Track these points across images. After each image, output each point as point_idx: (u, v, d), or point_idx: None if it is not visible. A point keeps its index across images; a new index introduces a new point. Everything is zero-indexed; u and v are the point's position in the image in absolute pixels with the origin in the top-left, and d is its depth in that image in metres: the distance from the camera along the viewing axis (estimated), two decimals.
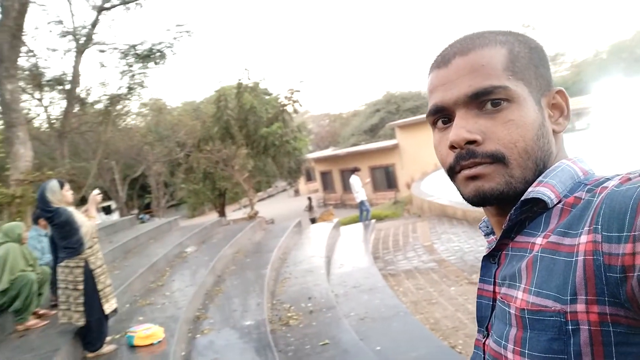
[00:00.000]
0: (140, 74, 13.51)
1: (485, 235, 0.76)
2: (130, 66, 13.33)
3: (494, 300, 0.66)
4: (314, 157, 30.52)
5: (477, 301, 0.70)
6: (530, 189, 0.63)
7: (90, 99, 14.45)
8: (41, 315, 4.81)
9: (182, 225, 11.81)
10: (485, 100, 0.63)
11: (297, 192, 36.11)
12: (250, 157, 14.40)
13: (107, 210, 23.63)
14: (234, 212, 22.88)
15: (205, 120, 15.17)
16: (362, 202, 12.12)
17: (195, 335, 4.93)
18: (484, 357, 0.67)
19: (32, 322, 4.63)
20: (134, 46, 13.00)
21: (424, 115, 0.73)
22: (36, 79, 12.21)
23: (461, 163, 0.64)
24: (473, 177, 0.64)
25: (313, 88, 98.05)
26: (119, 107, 15.13)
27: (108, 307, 4.24)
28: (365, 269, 7.68)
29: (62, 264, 4.07)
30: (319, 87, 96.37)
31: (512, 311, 0.59)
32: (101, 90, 15.06)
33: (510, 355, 0.59)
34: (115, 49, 12.97)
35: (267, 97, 19.51)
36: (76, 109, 12.55)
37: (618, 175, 0.59)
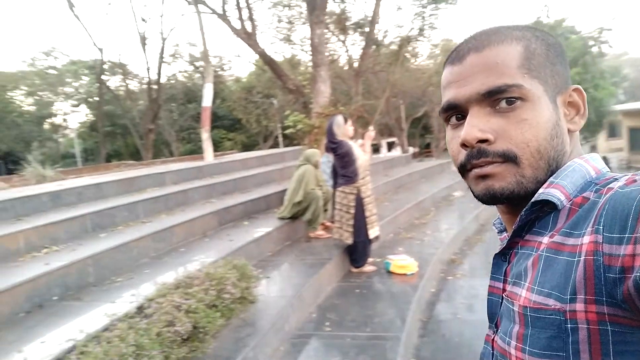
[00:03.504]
0: (431, 15, 13.66)
1: (498, 233, 0.75)
2: (424, 7, 13.58)
3: (503, 297, 0.67)
4: (623, 109, 25.56)
5: (487, 298, 0.71)
6: (540, 190, 0.62)
7: (385, 41, 15.50)
8: (326, 228, 5.75)
9: (453, 169, 11.91)
10: (498, 98, 0.62)
11: (593, 149, 31.35)
12: None
13: (390, 146, 25.56)
14: None
15: None
16: None
17: (447, 277, 5.09)
18: (493, 353, 0.68)
19: (320, 232, 5.61)
20: None
21: None
22: (341, 23, 13.76)
23: (472, 162, 0.64)
24: (484, 176, 0.64)
25: (636, 24, 79.86)
26: (409, 48, 15.76)
27: (372, 233, 4.77)
28: None
29: (339, 189, 4.73)
30: None
31: (515, 308, 0.60)
32: (396, 32, 15.92)
33: (513, 351, 0.61)
34: None
35: (572, 37, 17.03)
36: (372, 50, 13.66)
37: (626, 175, 0.58)
